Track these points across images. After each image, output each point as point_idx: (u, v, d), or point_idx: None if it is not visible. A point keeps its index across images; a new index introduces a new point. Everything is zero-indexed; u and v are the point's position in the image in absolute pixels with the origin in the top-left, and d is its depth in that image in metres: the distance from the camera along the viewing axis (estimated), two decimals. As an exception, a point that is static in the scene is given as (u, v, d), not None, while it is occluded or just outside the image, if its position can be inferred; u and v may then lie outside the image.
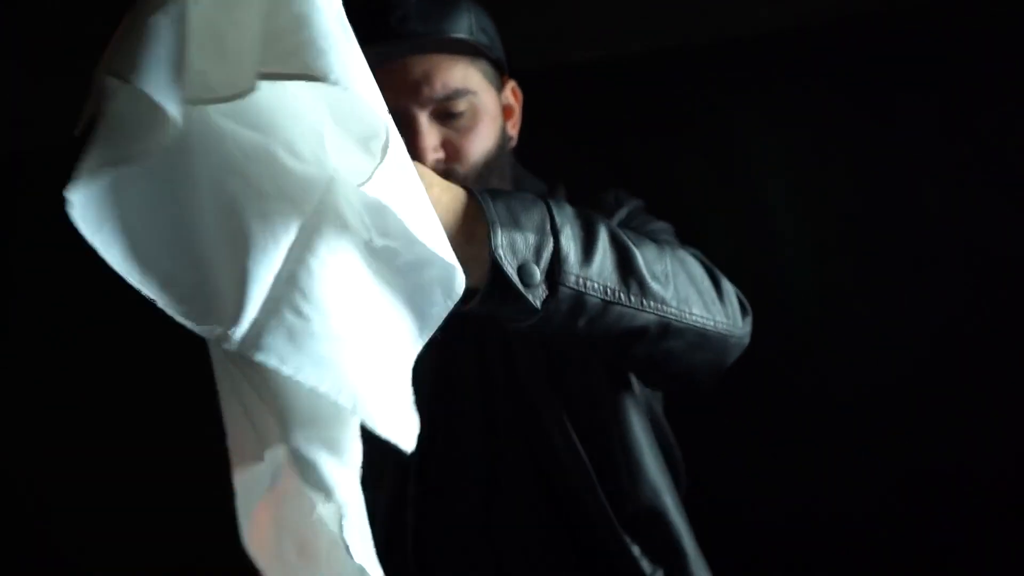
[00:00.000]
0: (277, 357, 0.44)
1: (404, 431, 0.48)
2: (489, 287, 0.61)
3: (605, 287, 0.67)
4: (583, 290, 0.66)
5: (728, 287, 0.82)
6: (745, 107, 1.56)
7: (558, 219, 0.66)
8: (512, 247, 0.62)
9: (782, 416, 1.39)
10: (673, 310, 0.72)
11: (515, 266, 0.62)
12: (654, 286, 0.71)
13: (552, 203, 0.67)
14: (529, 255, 0.63)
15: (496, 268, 0.60)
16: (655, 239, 0.79)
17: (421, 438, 0.49)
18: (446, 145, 0.90)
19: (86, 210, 0.44)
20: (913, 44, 1.57)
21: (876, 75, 1.58)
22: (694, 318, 0.74)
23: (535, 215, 0.65)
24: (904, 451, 1.29)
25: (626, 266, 0.69)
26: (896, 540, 1.28)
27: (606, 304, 0.67)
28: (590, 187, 1.02)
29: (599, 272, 0.67)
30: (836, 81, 1.58)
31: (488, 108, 0.93)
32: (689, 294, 0.74)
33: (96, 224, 0.44)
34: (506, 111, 0.99)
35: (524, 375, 0.91)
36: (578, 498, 0.88)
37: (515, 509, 0.89)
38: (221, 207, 0.48)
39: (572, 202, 0.82)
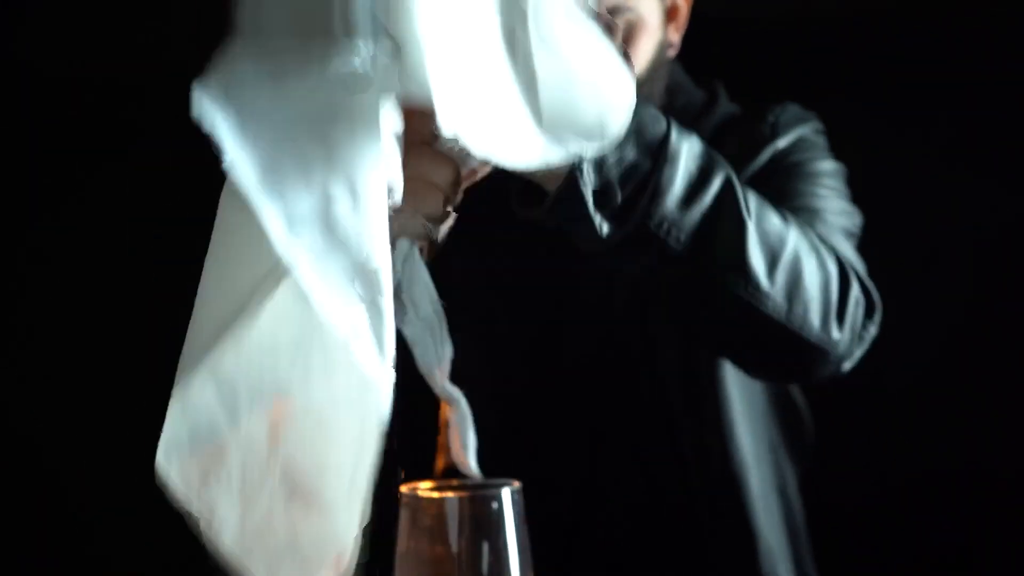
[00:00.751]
0: None
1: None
2: (560, 193, 0.52)
3: (694, 242, 0.56)
4: (664, 237, 0.56)
5: (854, 298, 0.70)
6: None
7: (673, 144, 0.55)
8: (601, 159, 0.52)
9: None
10: (769, 302, 0.62)
11: (594, 180, 0.52)
12: (753, 261, 0.60)
13: (676, 127, 0.57)
14: (615, 174, 0.53)
15: (571, 175, 0.51)
16: (795, 213, 0.70)
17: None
18: None
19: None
20: (916, 40, 1.57)
21: (880, 71, 1.58)
22: (782, 315, 0.63)
23: (649, 131, 0.55)
24: (910, 449, 1.29)
25: (730, 229, 0.58)
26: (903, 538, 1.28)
27: (689, 260, 0.57)
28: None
29: (692, 222, 0.56)
30: (838, 77, 1.58)
31: (646, 22, 0.84)
32: (796, 292, 0.63)
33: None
34: (671, 12, 0.90)
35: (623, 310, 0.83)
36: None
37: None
38: None
39: (733, 115, 0.86)
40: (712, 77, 1.01)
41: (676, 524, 0.85)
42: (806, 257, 0.64)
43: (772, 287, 0.61)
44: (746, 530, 0.84)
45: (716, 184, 0.58)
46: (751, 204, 0.61)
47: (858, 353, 0.73)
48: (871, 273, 0.81)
